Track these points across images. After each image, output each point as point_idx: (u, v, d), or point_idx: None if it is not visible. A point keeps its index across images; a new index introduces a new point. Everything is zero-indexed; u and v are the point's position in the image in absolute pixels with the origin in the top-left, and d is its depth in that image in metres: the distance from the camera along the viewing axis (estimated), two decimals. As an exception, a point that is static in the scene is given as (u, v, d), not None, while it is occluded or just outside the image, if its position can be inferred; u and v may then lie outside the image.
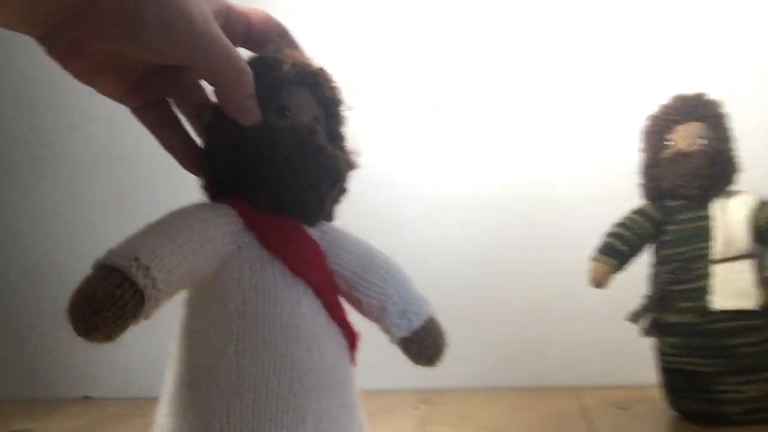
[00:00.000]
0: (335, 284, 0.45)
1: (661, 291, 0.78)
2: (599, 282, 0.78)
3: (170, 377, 0.41)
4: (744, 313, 0.72)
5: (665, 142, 0.79)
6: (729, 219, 0.76)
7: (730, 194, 0.78)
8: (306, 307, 0.42)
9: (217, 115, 0.43)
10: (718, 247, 0.75)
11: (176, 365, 0.41)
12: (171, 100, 0.46)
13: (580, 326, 0.98)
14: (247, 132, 0.42)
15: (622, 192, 0.84)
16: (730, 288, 0.73)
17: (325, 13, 1.08)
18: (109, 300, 0.33)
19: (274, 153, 0.42)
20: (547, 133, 1.00)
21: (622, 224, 0.80)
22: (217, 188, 0.44)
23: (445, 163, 1.05)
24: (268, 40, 0.46)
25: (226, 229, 0.41)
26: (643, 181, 0.81)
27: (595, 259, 0.79)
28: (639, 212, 0.80)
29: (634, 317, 0.79)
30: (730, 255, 0.74)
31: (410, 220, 1.04)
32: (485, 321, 0.99)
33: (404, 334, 0.45)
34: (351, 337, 0.45)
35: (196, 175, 0.46)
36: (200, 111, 0.46)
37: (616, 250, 0.79)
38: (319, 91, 0.46)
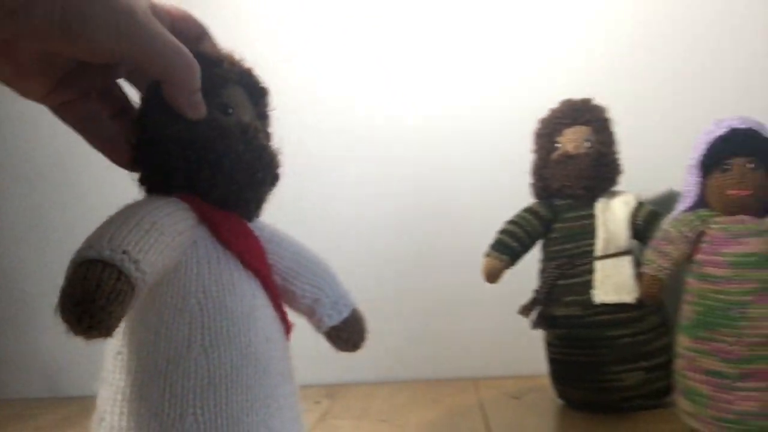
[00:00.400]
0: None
1: (548, 285, 0.81)
2: (491, 277, 0.81)
3: (123, 374, 0.41)
4: (623, 306, 0.77)
5: (554, 145, 0.83)
6: (610, 218, 0.80)
7: (613, 194, 0.82)
8: (259, 299, 0.44)
9: (156, 108, 0.43)
10: (599, 244, 0.79)
11: (132, 362, 0.41)
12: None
13: (476, 319, 1.02)
14: (198, 127, 0.43)
15: (517, 192, 0.87)
16: (610, 282, 0.78)
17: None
18: (113, 294, 0.33)
19: (226, 148, 0.43)
20: (449, 135, 1.03)
21: (513, 222, 0.83)
22: (156, 182, 0.44)
23: (343, 155, 1.05)
24: (189, 37, 0.45)
25: (188, 223, 0.42)
26: (533, 181, 0.85)
27: (487, 255, 0.82)
28: (529, 210, 0.84)
29: (524, 311, 0.83)
30: (611, 251, 0.79)
31: (308, 214, 1.05)
32: (385, 315, 1.01)
33: (335, 323, 0.50)
34: (287, 329, 0.48)
35: (127, 169, 0.45)
36: (125, 105, 0.46)
37: (508, 247, 0.82)
38: (252, 91, 0.48)
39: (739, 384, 0.62)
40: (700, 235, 0.67)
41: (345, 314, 0.50)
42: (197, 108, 0.43)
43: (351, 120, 1.05)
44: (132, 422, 0.40)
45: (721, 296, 0.64)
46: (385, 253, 1.04)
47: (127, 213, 0.39)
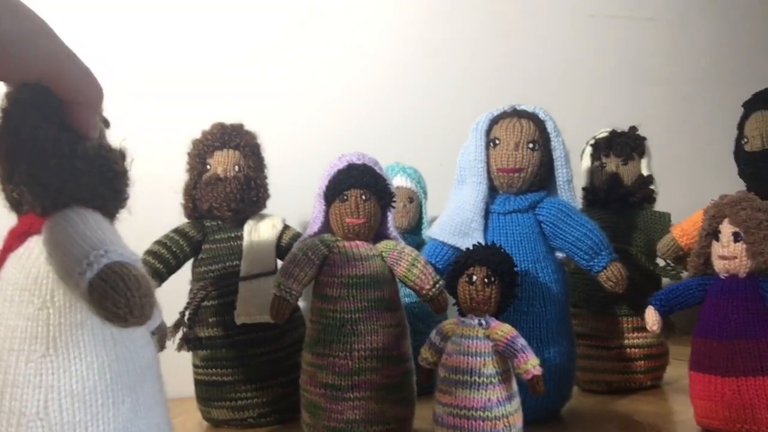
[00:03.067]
0: None
1: (194, 307, 0.81)
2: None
3: None
4: (265, 325, 0.80)
5: (205, 167, 0.84)
6: (257, 239, 0.83)
7: (262, 217, 0.86)
8: None
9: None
10: (244, 265, 0.81)
11: None
12: None
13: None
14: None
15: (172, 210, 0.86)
16: (252, 303, 0.80)
17: None
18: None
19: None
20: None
21: (160, 242, 0.82)
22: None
23: None
24: None
25: None
26: (183, 202, 0.85)
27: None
28: (177, 231, 0.83)
29: (170, 333, 0.81)
30: (255, 272, 0.82)
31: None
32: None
33: None
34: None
35: None
36: None
37: (153, 269, 0.80)
38: None
39: (349, 395, 0.68)
40: (324, 258, 0.72)
41: None
42: (95, 128, 0.45)
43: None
44: None
45: (336, 314, 0.70)
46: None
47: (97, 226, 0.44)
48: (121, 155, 0.48)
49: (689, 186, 1.19)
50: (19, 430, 0.43)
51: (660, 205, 0.95)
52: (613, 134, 0.93)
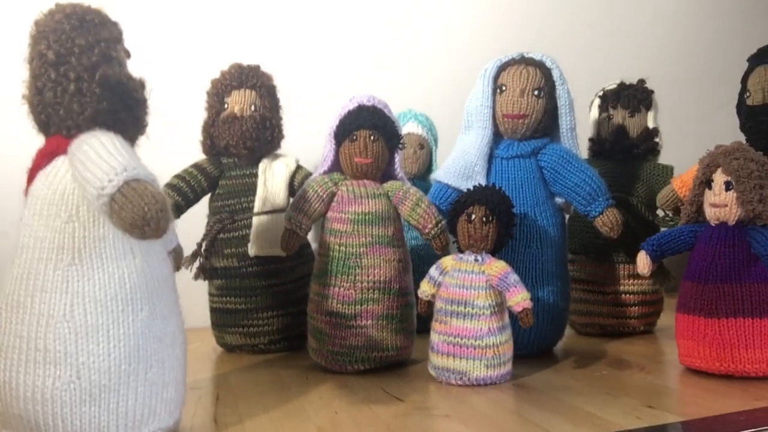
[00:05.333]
0: None
1: (210, 238, 0.86)
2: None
3: None
4: (276, 258, 0.85)
5: (223, 105, 0.87)
6: (270, 178, 0.87)
7: (276, 157, 0.90)
8: None
9: None
10: (258, 201, 0.86)
11: None
12: None
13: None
14: None
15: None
16: (265, 237, 0.85)
17: None
18: None
19: None
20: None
21: (179, 176, 0.86)
22: None
23: None
24: None
25: None
26: (202, 138, 0.89)
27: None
28: (196, 166, 0.87)
29: (186, 262, 0.86)
30: (268, 209, 0.86)
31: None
32: None
33: None
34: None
35: None
36: None
37: (173, 201, 0.84)
38: None
39: (352, 322, 0.73)
40: (332, 195, 0.76)
41: None
42: None
43: None
44: None
45: (343, 248, 0.74)
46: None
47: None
48: (140, 84, 0.52)
49: (696, 139, 1.20)
50: (47, 330, 0.48)
51: (668, 159, 0.96)
52: (621, 86, 0.94)
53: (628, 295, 0.91)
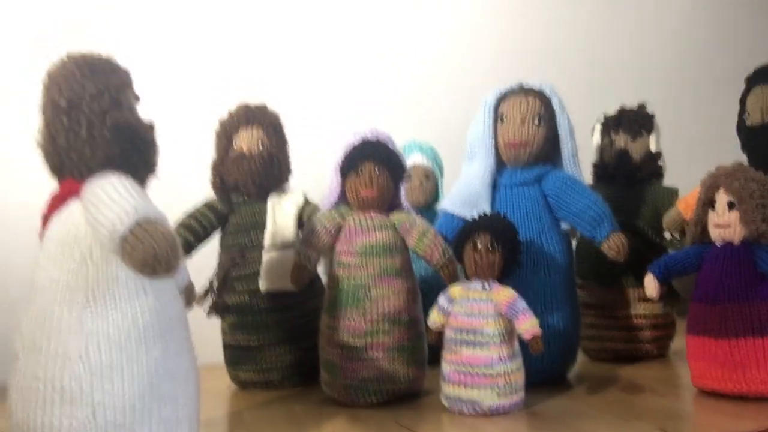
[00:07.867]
0: None
1: (222, 275, 0.87)
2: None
3: None
4: (286, 293, 0.85)
5: (231, 144, 0.89)
6: (279, 213, 0.89)
7: (284, 192, 0.91)
8: None
9: None
10: (267, 236, 0.87)
11: None
12: None
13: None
14: None
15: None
16: (274, 272, 0.86)
17: None
18: None
19: None
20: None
21: (190, 215, 0.88)
22: None
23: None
24: None
25: None
26: (211, 177, 0.90)
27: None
28: (206, 205, 0.89)
29: (199, 300, 0.87)
30: (278, 244, 0.87)
31: None
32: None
33: None
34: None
35: None
36: None
37: (184, 239, 0.86)
38: None
39: (363, 355, 0.74)
40: (339, 228, 0.77)
41: None
42: None
43: None
44: None
45: (351, 280, 0.75)
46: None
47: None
48: (150, 127, 0.54)
49: (700, 161, 1.20)
50: (64, 370, 0.49)
51: (672, 181, 0.97)
52: (622, 111, 0.95)
53: (639, 319, 0.91)
